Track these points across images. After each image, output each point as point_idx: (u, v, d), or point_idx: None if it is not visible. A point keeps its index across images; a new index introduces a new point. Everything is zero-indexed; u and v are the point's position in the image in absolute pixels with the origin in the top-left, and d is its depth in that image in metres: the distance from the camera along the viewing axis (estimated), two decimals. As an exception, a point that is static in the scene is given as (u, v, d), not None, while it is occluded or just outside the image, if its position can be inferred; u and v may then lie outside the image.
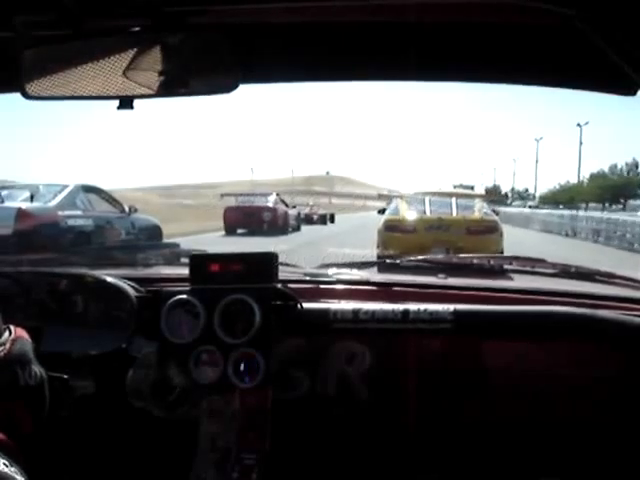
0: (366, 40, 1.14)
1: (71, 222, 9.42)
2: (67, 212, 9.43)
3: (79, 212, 9.70)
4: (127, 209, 10.90)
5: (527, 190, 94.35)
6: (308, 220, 27.23)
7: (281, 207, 21.34)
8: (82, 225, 9.61)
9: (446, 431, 1.52)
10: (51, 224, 9.01)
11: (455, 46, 1.15)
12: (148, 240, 10.78)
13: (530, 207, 49.07)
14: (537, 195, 75.31)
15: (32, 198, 9.32)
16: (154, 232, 11.47)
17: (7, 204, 9.06)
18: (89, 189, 10.48)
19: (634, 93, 1.08)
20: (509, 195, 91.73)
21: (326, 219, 27.92)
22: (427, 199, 10.15)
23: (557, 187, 79.33)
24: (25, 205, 9.09)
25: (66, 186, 9.92)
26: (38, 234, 8.54)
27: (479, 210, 9.95)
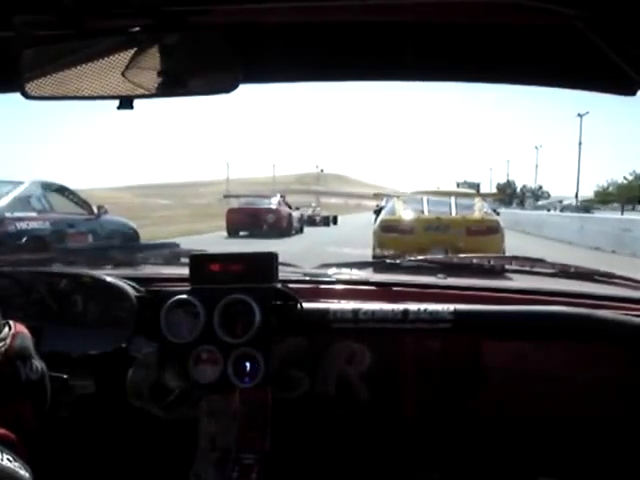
0: (366, 40, 1.14)
1: (22, 225, 8.09)
2: (18, 214, 8.11)
3: (34, 214, 8.37)
4: (96, 210, 9.65)
5: (541, 187, 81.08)
6: (311, 222, 27.18)
7: (284, 209, 21.36)
8: (37, 229, 8.27)
9: (446, 430, 1.52)
10: (-2, 228, 7.71)
11: (455, 46, 1.15)
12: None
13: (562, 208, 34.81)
14: (572, 192, 53.92)
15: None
16: (128, 236, 10.10)
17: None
18: (50, 187, 9.15)
19: (634, 93, 1.08)
20: (524, 193, 76.97)
21: (329, 221, 27.98)
22: (425, 198, 9.79)
23: (624, 180, 59.50)
24: None
25: (20, 183, 8.51)
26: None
27: (479, 210, 9.56)
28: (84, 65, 0.99)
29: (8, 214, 7.98)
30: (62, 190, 9.44)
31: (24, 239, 7.93)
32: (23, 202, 8.35)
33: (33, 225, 8.26)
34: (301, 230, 22.66)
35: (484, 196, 12.40)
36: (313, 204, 36.85)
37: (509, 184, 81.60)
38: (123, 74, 0.99)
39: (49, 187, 9.14)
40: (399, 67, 1.22)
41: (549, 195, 79.02)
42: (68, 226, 8.91)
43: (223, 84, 1.00)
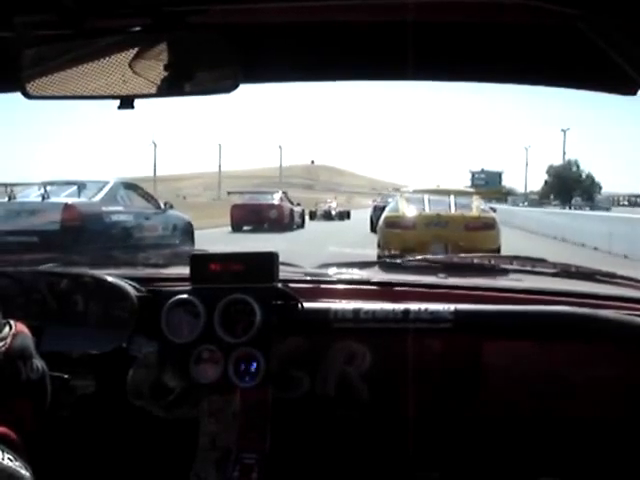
0: (366, 40, 1.14)
1: (115, 217, 9.56)
2: (110, 208, 9.56)
3: (121, 208, 9.82)
4: (162, 205, 11.01)
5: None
6: (327, 216, 27.78)
7: (286, 204, 21.78)
8: (124, 221, 9.73)
9: (446, 430, 1.52)
10: (96, 219, 9.12)
11: (456, 46, 1.15)
12: (182, 236, 11.01)
13: None
14: None
15: (79, 193, 9.46)
16: (187, 228, 11.56)
17: (53, 199, 9.15)
18: (128, 185, 10.70)
19: (634, 93, 1.08)
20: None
21: (344, 216, 28.65)
22: (426, 196, 10.34)
23: None
24: (71, 200, 9.17)
25: (107, 182, 10.09)
26: (84, 229, 8.66)
27: (476, 207, 10.12)
28: (84, 65, 1.00)
29: (104, 208, 9.43)
30: (135, 187, 10.99)
31: (115, 230, 9.34)
32: (112, 198, 9.82)
33: (122, 217, 9.75)
34: (302, 225, 23.10)
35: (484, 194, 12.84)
36: (328, 200, 37.21)
37: (569, 165, 49.99)
38: (123, 74, 0.99)
39: (127, 185, 10.72)
40: (399, 67, 1.21)
41: (600, 188, 54.22)
42: (145, 219, 10.34)
43: (223, 84, 1.00)
